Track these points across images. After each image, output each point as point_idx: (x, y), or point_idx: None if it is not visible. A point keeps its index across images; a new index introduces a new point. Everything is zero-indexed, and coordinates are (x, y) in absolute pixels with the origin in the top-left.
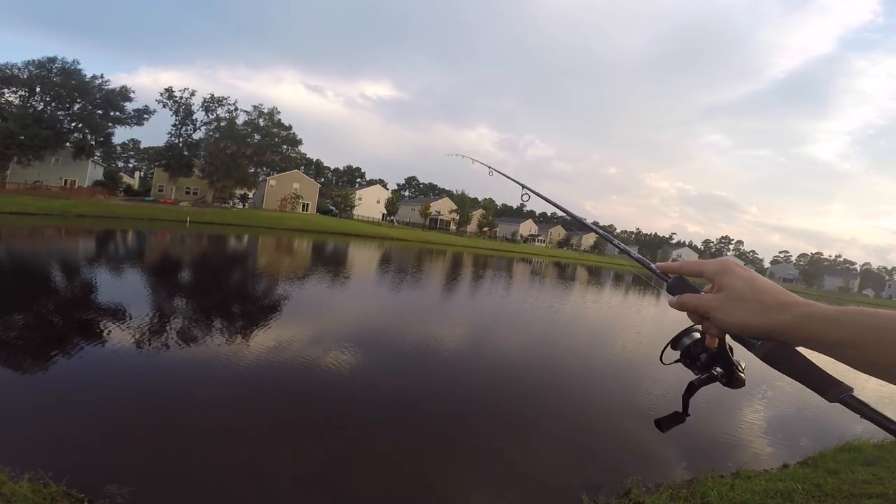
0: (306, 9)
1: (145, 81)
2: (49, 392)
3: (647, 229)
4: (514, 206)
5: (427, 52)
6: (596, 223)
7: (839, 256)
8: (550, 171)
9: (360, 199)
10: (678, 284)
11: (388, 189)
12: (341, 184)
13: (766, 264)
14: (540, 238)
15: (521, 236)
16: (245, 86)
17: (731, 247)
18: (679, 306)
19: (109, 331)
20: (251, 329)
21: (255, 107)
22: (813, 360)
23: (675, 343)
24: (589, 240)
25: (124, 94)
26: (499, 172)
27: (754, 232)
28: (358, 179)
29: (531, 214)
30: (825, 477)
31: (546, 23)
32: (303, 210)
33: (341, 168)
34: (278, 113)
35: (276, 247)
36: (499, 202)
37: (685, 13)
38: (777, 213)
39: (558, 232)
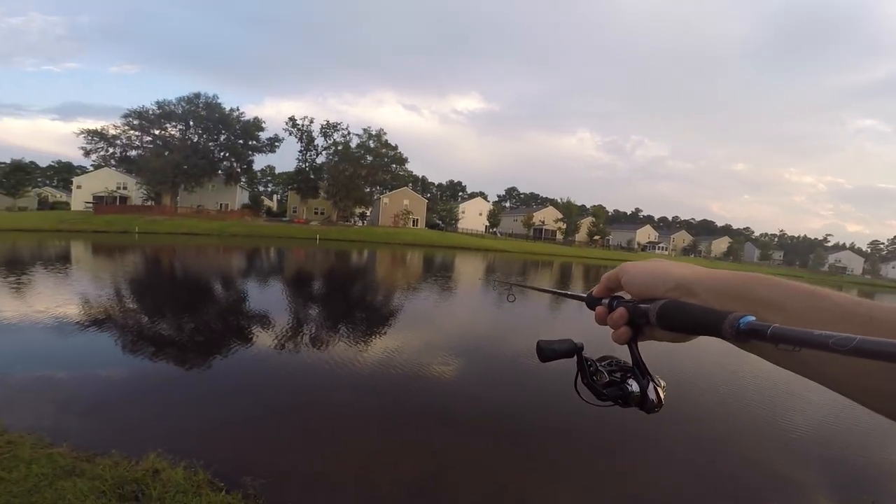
0: (391, 31)
1: (270, 112)
2: (200, 389)
3: (793, 231)
4: (629, 213)
5: (507, 61)
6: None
7: None
8: (665, 172)
9: (463, 212)
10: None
11: (488, 201)
12: (445, 198)
13: None
14: (661, 245)
15: (639, 244)
16: (351, 110)
17: None
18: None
19: (253, 336)
20: (377, 337)
21: (364, 129)
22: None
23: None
24: (721, 245)
25: (257, 124)
26: None
27: None
28: (460, 193)
29: (649, 220)
30: None
31: (631, 20)
32: (413, 225)
33: (444, 183)
34: (385, 134)
35: (392, 260)
36: (610, 208)
37: None
38: None
39: (682, 237)
